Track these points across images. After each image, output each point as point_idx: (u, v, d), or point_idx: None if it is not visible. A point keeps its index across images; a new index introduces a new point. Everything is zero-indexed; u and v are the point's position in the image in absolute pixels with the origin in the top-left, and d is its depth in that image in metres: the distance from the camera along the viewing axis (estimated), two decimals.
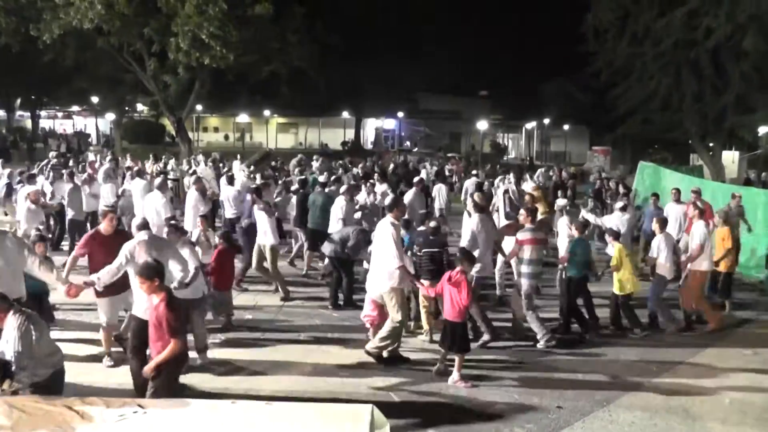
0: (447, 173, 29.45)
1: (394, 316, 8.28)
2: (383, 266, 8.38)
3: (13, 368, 5.22)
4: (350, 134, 63.65)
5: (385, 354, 8.35)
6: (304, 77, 35.86)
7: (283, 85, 35.68)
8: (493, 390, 7.67)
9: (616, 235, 10.38)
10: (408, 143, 66.14)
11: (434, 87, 59.99)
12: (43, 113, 62.47)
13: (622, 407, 7.32)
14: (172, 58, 28.48)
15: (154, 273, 5.77)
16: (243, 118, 60.44)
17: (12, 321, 5.33)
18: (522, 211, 10.00)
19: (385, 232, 8.39)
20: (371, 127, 69.22)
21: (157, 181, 13.64)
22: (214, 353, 8.61)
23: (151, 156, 24.45)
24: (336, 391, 7.49)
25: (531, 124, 61.13)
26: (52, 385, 5.41)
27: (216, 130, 68.34)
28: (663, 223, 10.51)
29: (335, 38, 34.56)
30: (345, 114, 61.66)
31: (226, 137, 66.09)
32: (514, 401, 7.38)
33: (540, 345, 9.12)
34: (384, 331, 8.33)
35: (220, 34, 26.39)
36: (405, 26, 49.40)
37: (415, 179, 16.59)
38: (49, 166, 17.68)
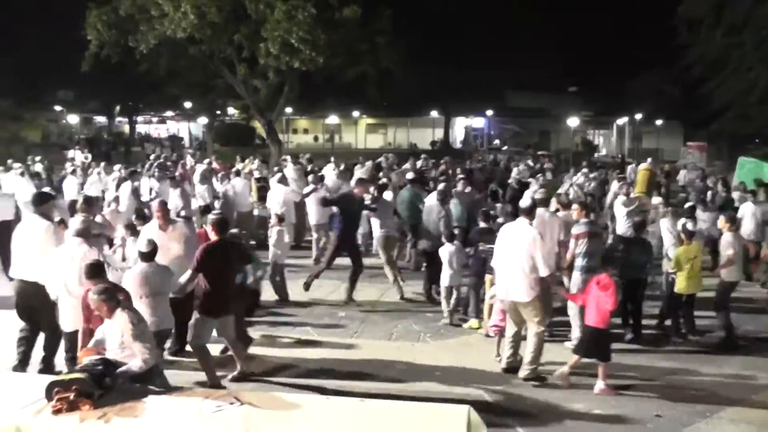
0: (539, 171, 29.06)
1: (536, 327, 7.83)
2: (521, 274, 7.80)
3: (140, 362, 5.53)
4: (439, 134, 63.51)
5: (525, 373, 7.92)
6: (392, 78, 36.16)
7: (371, 86, 36.10)
8: (584, 395, 7.52)
9: (690, 234, 9.86)
10: (497, 142, 65.56)
11: (522, 84, 58.91)
12: (139, 119, 65.48)
13: (725, 420, 7.02)
14: (262, 63, 29.25)
15: None
16: (332, 119, 61.41)
17: (123, 317, 5.63)
18: (575, 206, 9.90)
19: (525, 238, 7.85)
20: (460, 126, 69.00)
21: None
22: (306, 352, 8.85)
23: (237, 158, 25.29)
24: (431, 390, 7.51)
25: (622, 120, 59.36)
26: (150, 377, 5.71)
27: (306, 131, 69.56)
28: (732, 220, 9.99)
29: (422, 38, 34.71)
30: (434, 113, 61.63)
31: (316, 138, 67.21)
32: (610, 408, 7.21)
33: (568, 344, 8.94)
34: (531, 350, 7.85)
35: (309, 38, 26.94)
36: (492, 23, 48.97)
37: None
38: (155, 165, 18.58)
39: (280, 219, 11.92)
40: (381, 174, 18.63)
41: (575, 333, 8.95)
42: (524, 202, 8.56)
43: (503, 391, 7.65)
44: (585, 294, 7.96)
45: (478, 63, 48.31)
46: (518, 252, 7.85)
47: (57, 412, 4.74)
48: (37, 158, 25.03)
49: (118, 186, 16.60)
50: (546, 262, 7.87)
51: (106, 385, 5.13)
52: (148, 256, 7.12)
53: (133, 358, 5.56)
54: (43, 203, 8.14)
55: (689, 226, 10.15)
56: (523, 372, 7.88)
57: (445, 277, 10.46)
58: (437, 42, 42.69)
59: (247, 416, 4.70)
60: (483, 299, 10.20)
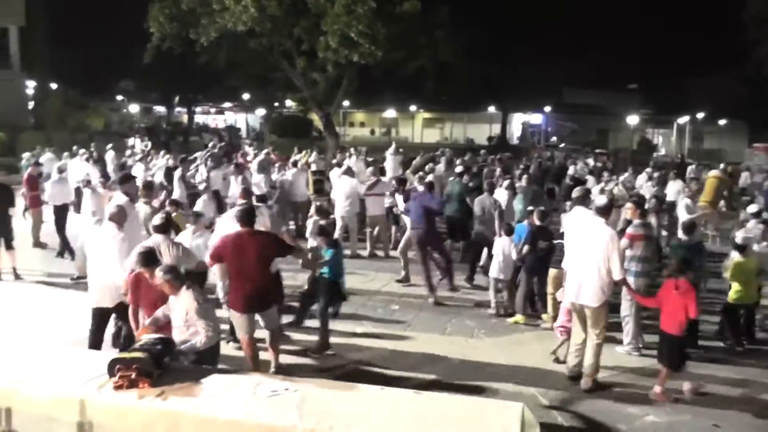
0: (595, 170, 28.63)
1: (598, 333, 7.61)
2: (595, 277, 7.46)
3: (203, 338, 5.74)
4: (496, 129, 63.05)
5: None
6: (450, 72, 36.07)
7: (429, 81, 36.11)
8: (639, 401, 7.35)
9: (741, 248, 9.49)
10: (554, 139, 64.77)
11: (580, 80, 57.78)
12: (197, 109, 66.79)
13: None
14: (321, 56, 29.50)
15: None
16: (389, 113, 61.54)
17: (189, 295, 5.82)
18: (629, 205, 9.67)
19: (601, 238, 7.46)
20: (518, 122, 68.39)
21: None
22: (359, 343, 8.97)
23: (296, 149, 25.64)
24: (484, 386, 7.51)
25: (683, 119, 57.90)
26: (211, 354, 5.89)
27: (362, 125, 69.91)
28: None
29: (481, 32, 34.52)
30: (491, 109, 61.24)
31: (372, 132, 67.54)
32: (665, 415, 7.06)
33: (620, 349, 8.79)
34: (591, 360, 7.66)
35: (368, 32, 27.06)
36: (550, 18, 48.36)
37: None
38: (209, 154, 18.98)
39: (319, 210, 11.70)
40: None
41: (627, 338, 8.84)
42: (600, 200, 8.09)
43: (556, 391, 7.57)
44: (659, 298, 7.61)
45: (537, 58, 47.73)
46: (593, 253, 7.47)
47: (118, 388, 4.95)
48: (109, 146, 26.00)
49: (165, 174, 17.10)
50: (622, 268, 7.62)
51: (164, 365, 5.31)
52: None
53: (197, 335, 5.75)
54: (124, 183, 9.11)
55: (739, 238, 9.77)
56: (584, 383, 7.68)
57: (494, 269, 10.54)
58: (496, 36, 42.30)
59: (302, 402, 4.78)
60: (536, 295, 10.26)
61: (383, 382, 5.85)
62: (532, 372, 8.12)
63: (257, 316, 7.21)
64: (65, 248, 13.42)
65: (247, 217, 7.18)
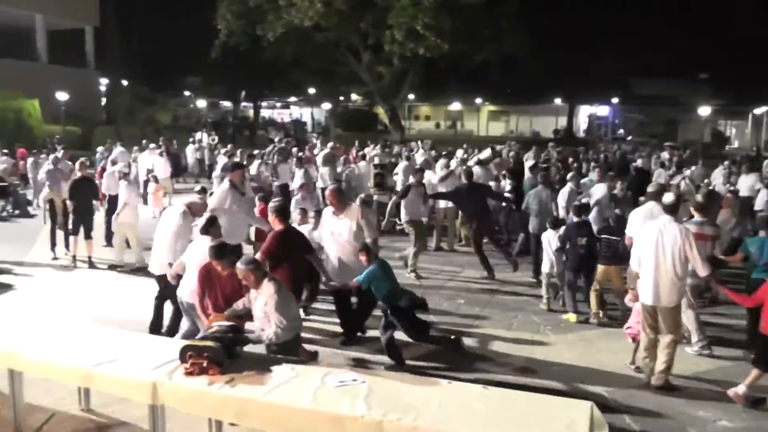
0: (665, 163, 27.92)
1: (672, 336, 7.32)
2: (673, 278, 7.19)
3: (271, 332, 5.82)
4: (562, 122, 62.26)
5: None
6: (516, 64, 35.76)
7: (494, 73, 35.88)
8: (711, 404, 7.09)
9: None
10: (622, 131, 63.41)
11: (649, 70, 55.87)
12: (263, 104, 67.80)
13: None
14: (386, 49, 29.73)
15: None
16: (454, 106, 61.39)
17: (269, 287, 5.92)
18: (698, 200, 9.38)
19: (675, 237, 7.19)
20: (584, 114, 67.29)
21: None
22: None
23: (356, 143, 25.86)
24: (550, 384, 7.42)
25: (760, 110, 55.73)
26: (292, 348, 6.02)
27: (427, 118, 69.92)
28: None
29: (547, 23, 34.08)
30: (557, 101, 60.43)
31: (437, 125, 67.49)
32: (740, 420, 6.76)
33: (690, 350, 8.47)
34: (665, 359, 7.39)
35: (434, 25, 27.12)
36: (618, 7, 47.25)
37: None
38: (276, 149, 19.33)
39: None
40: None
41: (695, 337, 8.57)
42: (668, 198, 7.76)
43: (625, 392, 7.39)
44: (757, 298, 7.22)
45: (604, 49, 46.68)
46: (667, 252, 7.20)
47: (189, 374, 5.10)
48: (213, 135, 27.09)
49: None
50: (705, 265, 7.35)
51: (234, 354, 5.45)
52: None
53: (269, 328, 5.85)
54: (236, 169, 9.58)
55: None
56: (656, 380, 7.46)
57: (546, 264, 10.46)
58: (562, 27, 41.55)
59: (370, 393, 4.82)
60: (581, 290, 10.15)
61: (448, 377, 5.87)
62: (599, 371, 7.97)
63: None
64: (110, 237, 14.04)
65: (284, 213, 7.68)
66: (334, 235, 8.68)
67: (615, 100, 59.95)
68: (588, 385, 7.50)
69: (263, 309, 5.90)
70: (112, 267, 12.75)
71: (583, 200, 11.83)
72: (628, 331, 8.08)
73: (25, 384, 6.03)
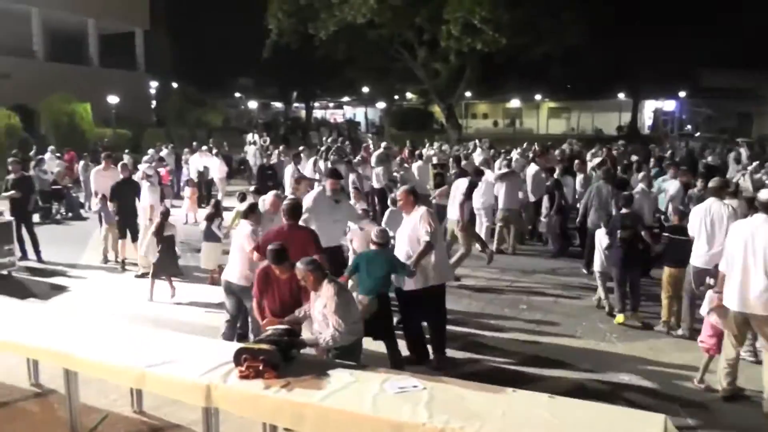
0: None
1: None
2: (761, 281, 6.74)
3: (328, 335, 5.81)
4: (626, 118, 61.24)
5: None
6: (577, 58, 35.28)
7: (555, 67, 35.49)
8: None
9: None
10: (689, 127, 61.84)
11: (719, 61, 53.87)
12: (315, 104, 68.43)
13: None
14: (443, 45, 29.62)
15: None
16: (513, 103, 60.98)
17: (329, 289, 5.91)
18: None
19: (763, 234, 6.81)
20: (649, 109, 66.01)
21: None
22: (484, 342, 8.97)
23: (408, 142, 25.84)
24: (618, 394, 7.30)
25: None
26: (353, 352, 6.00)
27: (485, 116, 69.62)
28: None
29: (610, 14, 33.51)
30: (621, 96, 59.41)
31: (495, 123, 67.12)
32: None
33: (750, 357, 8.11)
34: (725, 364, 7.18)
35: (491, 18, 26.94)
36: None
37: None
38: (333, 149, 19.47)
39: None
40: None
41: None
42: (763, 195, 7.17)
43: (697, 406, 7.15)
44: None
45: (671, 40, 45.24)
46: (761, 255, 6.74)
47: (244, 377, 5.12)
48: (265, 137, 27.74)
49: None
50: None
51: (291, 356, 5.46)
52: None
53: (327, 331, 5.84)
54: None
55: None
56: (723, 389, 7.22)
57: (596, 262, 10.39)
58: (625, 18, 40.66)
59: (431, 400, 4.77)
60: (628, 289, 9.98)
61: (512, 385, 5.77)
62: (669, 383, 7.74)
63: None
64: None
65: (293, 211, 7.63)
66: (410, 234, 8.35)
67: (682, 94, 58.35)
68: (658, 398, 7.30)
69: (322, 311, 5.90)
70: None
71: (634, 193, 11.79)
72: (701, 344, 7.69)
73: (80, 384, 6.15)
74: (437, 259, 7.98)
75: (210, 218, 12.08)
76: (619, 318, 9.88)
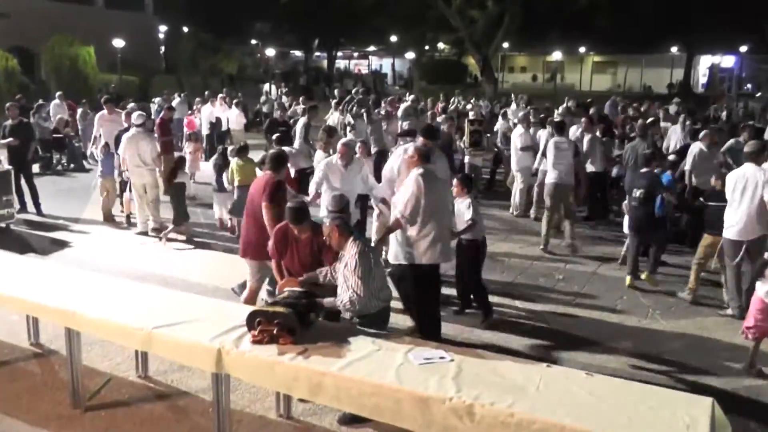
0: None
1: None
2: None
3: (346, 297, 5.79)
4: (678, 74, 60.34)
5: None
6: (626, 7, 34.70)
7: (601, 17, 34.95)
8: None
9: None
10: (749, 86, 60.52)
11: None
12: (339, 54, 68.00)
13: None
14: None
15: None
16: (555, 56, 60.23)
17: (353, 247, 5.88)
18: None
19: None
20: (705, 65, 64.88)
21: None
22: (518, 313, 9.00)
23: (441, 95, 25.71)
24: (660, 375, 7.28)
25: None
26: (379, 320, 5.96)
27: (523, 70, 69.07)
28: None
29: None
30: (674, 50, 58.42)
31: (534, 78, 66.51)
32: None
33: None
34: None
35: None
36: None
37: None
38: (355, 101, 19.38)
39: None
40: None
41: None
42: None
43: (747, 390, 7.11)
44: None
45: None
46: None
47: (257, 342, 5.13)
48: (283, 88, 27.91)
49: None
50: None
51: (309, 321, 5.46)
52: None
53: (347, 293, 5.82)
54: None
55: None
56: None
57: (625, 222, 10.86)
58: None
59: (459, 373, 4.77)
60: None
61: (548, 360, 5.76)
62: (716, 365, 7.70)
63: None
64: None
65: (276, 162, 7.84)
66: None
67: (743, 49, 56.91)
68: (704, 380, 7.26)
69: (344, 271, 5.88)
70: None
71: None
72: (751, 330, 7.50)
73: (82, 346, 6.24)
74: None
75: (219, 169, 12.31)
76: (627, 280, 10.18)
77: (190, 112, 22.38)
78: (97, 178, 13.80)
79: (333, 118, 18.31)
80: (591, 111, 18.76)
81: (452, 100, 25.64)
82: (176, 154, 15.62)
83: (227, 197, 12.61)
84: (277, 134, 12.94)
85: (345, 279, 5.85)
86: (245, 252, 7.76)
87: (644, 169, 10.34)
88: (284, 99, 29.15)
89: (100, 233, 12.76)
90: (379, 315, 6.03)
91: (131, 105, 18.15)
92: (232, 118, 21.40)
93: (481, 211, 8.95)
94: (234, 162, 12.11)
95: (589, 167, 13.42)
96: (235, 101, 22.90)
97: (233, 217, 12.20)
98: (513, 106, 22.21)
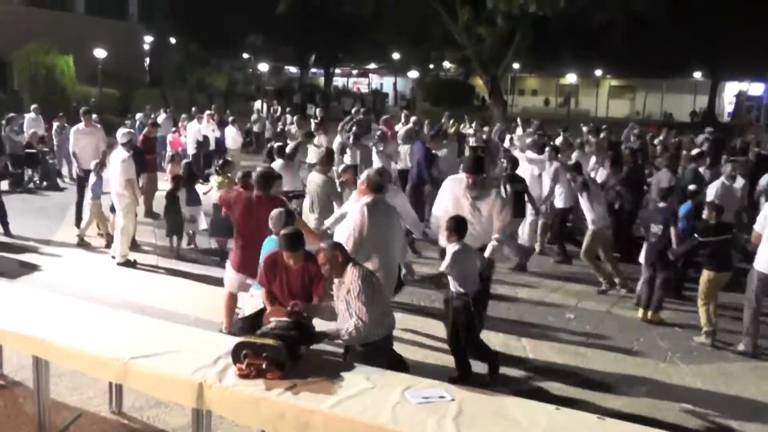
0: None
1: None
2: None
3: (351, 326, 5.80)
4: (702, 102, 60.70)
5: None
6: (646, 28, 34.93)
7: (619, 37, 35.15)
8: None
9: None
10: None
11: None
12: (336, 70, 68.32)
13: None
14: (489, 6, 29.48)
15: None
16: (568, 78, 60.58)
17: (353, 272, 5.91)
18: None
19: None
20: (731, 92, 65.23)
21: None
22: (526, 354, 9.00)
23: (444, 118, 25.87)
24: (682, 422, 7.29)
25: None
26: (382, 348, 6.00)
27: (534, 93, 69.46)
28: None
29: None
30: (697, 75, 58.81)
31: (547, 102, 66.84)
32: None
33: None
34: None
35: None
36: None
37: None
38: (352, 122, 19.46)
39: None
40: None
41: None
42: None
43: None
44: None
45: (762, 8, 44.44)
46: None
47: (244, 377, 5.14)
48: (275, 105, 28.15)
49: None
50: None
51: (299, 355, 5.46)
52: None
53: (349, 322, 5.85)
54: None
55: None
56: None
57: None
58: None
59: (460, 414, 4.79)
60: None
61: (556, 403, 5.74)
62: (744, 418, 7.60)
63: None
64: None
65: (264, 180, 8.48)
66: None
67: None
68: (733, 424, 7.28)
69: (345, 297, 5.90)
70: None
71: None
72: None
73: (51, 377, 6.21)
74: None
75: (186, 183, 13.24)
76: (639, 314, 10.54)
77: (174, 129, 22.42)
78: (88, 202, 13.81)
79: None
80: (601, 136, 18.95)
81: (462, 125, 25.57)
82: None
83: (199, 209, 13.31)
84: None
85: (347, 306, 5.88)
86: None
87: (662, 204, 10.59)
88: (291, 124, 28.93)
89: (74, 256, 12.78)
90: (384, 343, 6.08)
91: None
92: (229, 136, 21.62)
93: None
94: (214, 179, 12.25)
95: (558, 202, 13.72)
96: (231, 119, 23.06)
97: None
98: (518, 131, 22.21)
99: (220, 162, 13.05)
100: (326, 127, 20.40)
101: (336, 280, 6.08)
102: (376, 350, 5.88)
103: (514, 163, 13.19)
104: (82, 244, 13.39)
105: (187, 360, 5.41)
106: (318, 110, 27.65)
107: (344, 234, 7.57)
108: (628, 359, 9.13)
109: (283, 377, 5.16)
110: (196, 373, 5.20)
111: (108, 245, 13.17)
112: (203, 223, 13.33)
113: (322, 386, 5.10)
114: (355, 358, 5.92)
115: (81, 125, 15.29)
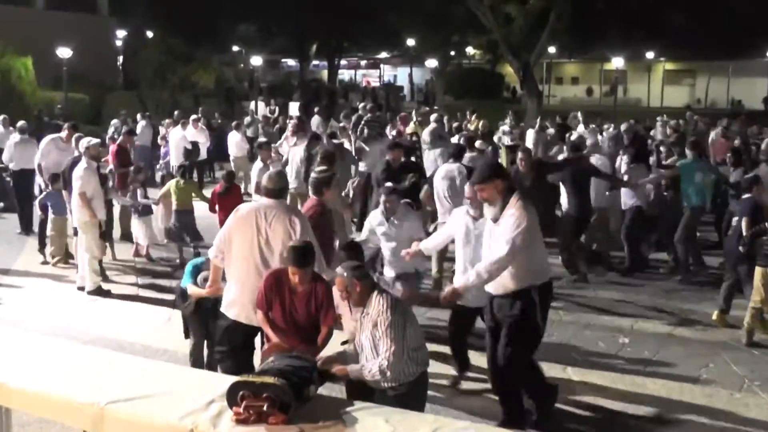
0: None
1: None
2: None
3: (376, 366, 5.84)
4: None
5: None
6: (707, 2, 34.99)
7: (676, 14, 35.19)
8: None
9: None
10: None
11: None
12: (342, 62, 68.53)
13: None
14: None
15: None
16: (615, 63, 60.51)
17: (379, 302, 5.92)
18: None
19: None
20: None
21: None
22: (576, 385, 8.95)
23: (468, 112, 25.96)
24: None
25: None
26: (416, 389, 6.01)
27: (575, 81, 69.47)
28: None
29: None
30: None
31: (590, 91, 66.80)
32: None
33: None
34: None
35: None
36: None
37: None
38: (363, 122, 19.55)
39: None
40: None
41: None
42: None
43: None
44: None
45: None
46: None
47: (241, 422, 5.08)
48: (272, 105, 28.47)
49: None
50: None
51: (307, 396, 5.40)
52: None
53: (376, 360, 5.86)
54: None
55: None
56: None
57: None
58: None
59: None
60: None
61: None
62: None
63: None
64: None
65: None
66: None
67: None
68: None
69: (372, 332, 5.89)
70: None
71: None
72: None
73: (14, 428, 6.24)
74: None
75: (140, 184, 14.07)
76: (715, 315, 11.12)
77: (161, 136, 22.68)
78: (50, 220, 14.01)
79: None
80: (623, 128, 19.02)
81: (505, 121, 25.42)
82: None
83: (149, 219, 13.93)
84: None
85: (373, 342, 5.88)
86: None
87: (746, 195, 10.91)
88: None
89: (38, 286, 12.90)
90: (418, 382, 6.05)
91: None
92: (234, 142, 22.04)
93: None
94: (173, 183, 12.49)
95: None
96: (234, 123, 23.67)
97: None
98: (580, 128, 22.22)
99: (225, 174, 13.26)
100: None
101: (354, 309, 6.11)
102: (410, 392, 5.88)
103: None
104: (56, 264, 13.69)
105: (174, 403, 5.38)
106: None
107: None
108: (696, 389, 9.09)
109: (288, 421, 5.10)
110: (185, 418, 5.16)
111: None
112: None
113: (334, 431, 5.08)
114: (383, 402, 5.77)
115: (59, 136, 15.35)
